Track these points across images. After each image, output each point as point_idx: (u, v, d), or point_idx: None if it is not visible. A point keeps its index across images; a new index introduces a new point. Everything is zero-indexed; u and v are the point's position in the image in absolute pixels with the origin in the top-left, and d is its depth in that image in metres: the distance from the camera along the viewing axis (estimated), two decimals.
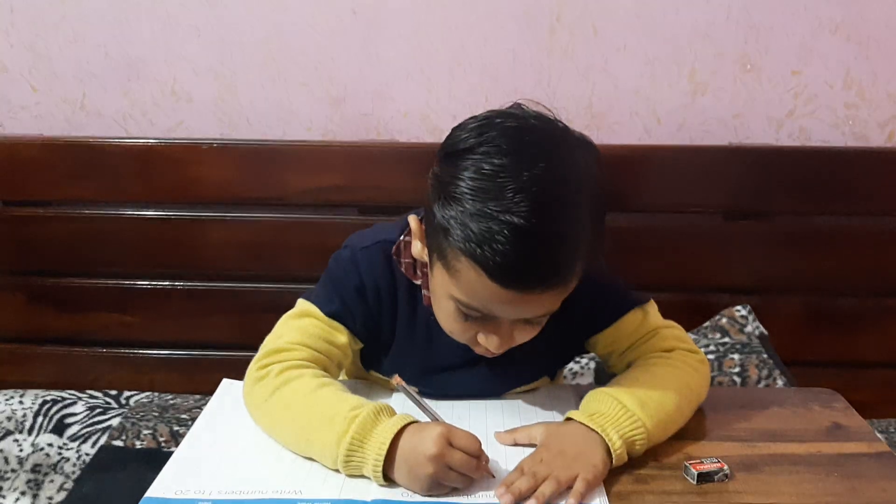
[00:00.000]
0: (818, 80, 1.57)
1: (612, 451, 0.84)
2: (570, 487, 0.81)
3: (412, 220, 0.90)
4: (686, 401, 0.93)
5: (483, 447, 0.82)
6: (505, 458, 0.86)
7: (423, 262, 0.91)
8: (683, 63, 1.57)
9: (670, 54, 1.56)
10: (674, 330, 1.01)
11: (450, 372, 0.98)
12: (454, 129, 0.83)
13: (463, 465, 0.79)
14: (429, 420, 0.85)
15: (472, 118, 0.82)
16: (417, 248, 0.90)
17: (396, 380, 0.87)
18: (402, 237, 0.95)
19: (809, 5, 1.53)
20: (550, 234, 0.76)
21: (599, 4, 1.53)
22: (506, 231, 0.74)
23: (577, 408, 0.92)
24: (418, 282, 0.95)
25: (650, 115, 1.60)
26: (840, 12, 1.53)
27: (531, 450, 0.87)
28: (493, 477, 0.83)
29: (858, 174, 1.53)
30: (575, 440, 0.85)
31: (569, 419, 0.89)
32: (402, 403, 0.87)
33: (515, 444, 0.89)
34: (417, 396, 0.86)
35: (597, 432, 0.85)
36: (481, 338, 0.86)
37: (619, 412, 0.87)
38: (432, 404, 0.87)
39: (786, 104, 1.58)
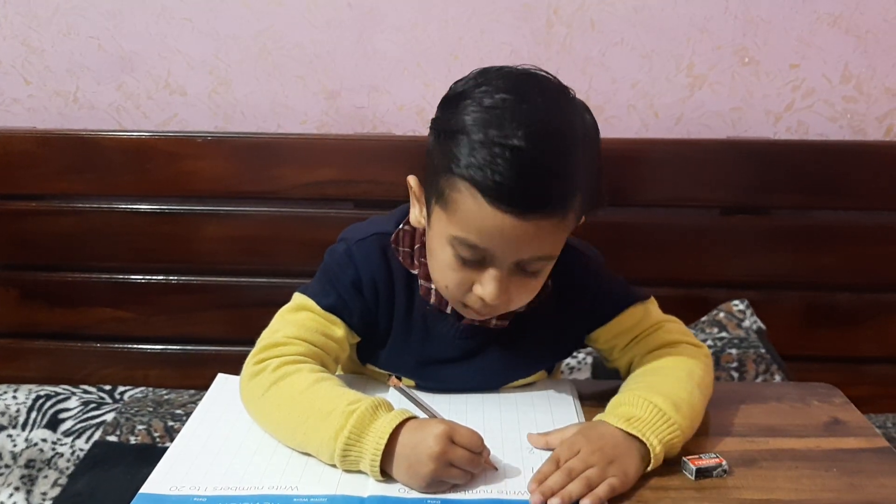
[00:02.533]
0: (816, 73, 1.56)
1: (652, 456, 0.82)
2: None
3: (411, 178, 0.90)
4: (705, 397, 0.92)
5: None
6: (503, 452, 0.85)
7: (420, 233, 0.91)
8: (681, 57, 1.56)
9: (668, 48, 1.55)
10: (677, 324, 1.00)
11: (447, 365, 0.97)
12: (454, 83, 0.86)
13: (466, 461, 0.79)
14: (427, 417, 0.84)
15: (470, 72, 0.86)
16: (415, 214, 0.90)
17: (393, 381, 0.86)
18: (399, 226, 0.95)
19: None
20: (549, 158, 0.78)
21: None
22: (507, 154, 0.76)
23: (576, 403, 0.92)
24: (415, 271, 0.94)
25: (648, 108, 1.59)
26: (838, 6, 1.52)
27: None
28: (496, 469, 0.82)
29: (856, 168, 1.53)
30: (615, 441, 0.83)
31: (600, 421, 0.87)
32: (398, 399, 0.86)
33: (547, 448, 0.86)
34: (415, 395, 0.85)
35: (638, 438, 0.83)
36: (477, 288, 0.84)
37: (655, 416, 0.85)
38: (429, 399, 0.86)
39: (784, 98, 1.58)
